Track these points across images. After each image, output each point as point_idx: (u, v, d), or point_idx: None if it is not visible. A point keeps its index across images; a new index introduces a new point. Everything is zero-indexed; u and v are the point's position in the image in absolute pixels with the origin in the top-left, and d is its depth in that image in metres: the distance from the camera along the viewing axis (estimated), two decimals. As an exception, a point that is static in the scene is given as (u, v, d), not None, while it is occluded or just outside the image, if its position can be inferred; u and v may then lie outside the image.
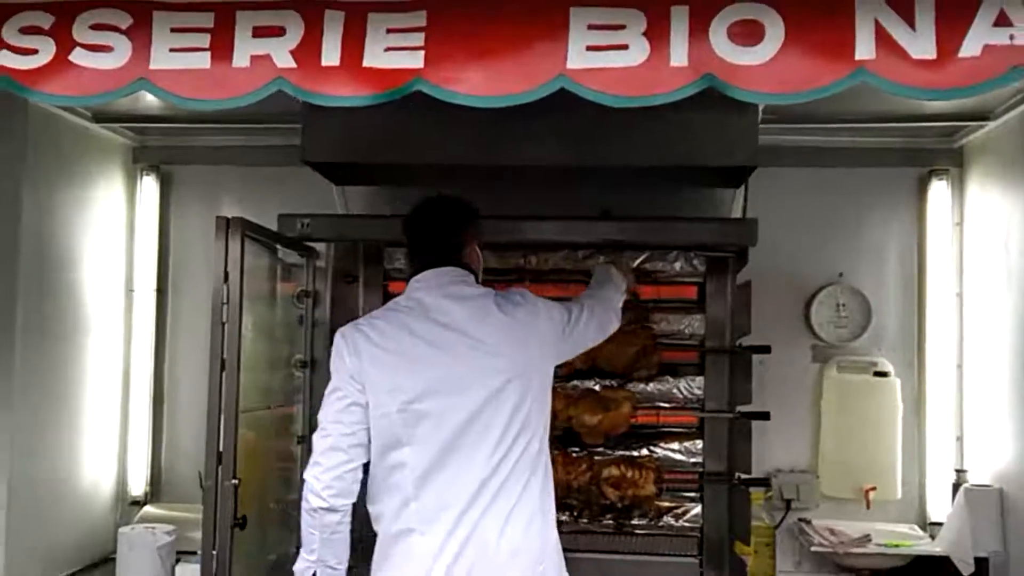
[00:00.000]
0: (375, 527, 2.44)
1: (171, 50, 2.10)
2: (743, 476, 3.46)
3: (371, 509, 2.44)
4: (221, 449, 2.88)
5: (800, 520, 3.93)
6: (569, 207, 3.44)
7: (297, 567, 2.40)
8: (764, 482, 3.70)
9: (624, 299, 3.02)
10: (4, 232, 3.43)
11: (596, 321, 2.75)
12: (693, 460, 3.65)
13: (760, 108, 3.16)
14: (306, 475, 2.37)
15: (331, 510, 2.33)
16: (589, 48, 2.02)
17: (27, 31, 2.13)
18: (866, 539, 3.74)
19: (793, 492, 3.96)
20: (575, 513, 3.59)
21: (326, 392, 2.43)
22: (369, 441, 2.38)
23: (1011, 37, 1.98)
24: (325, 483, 2.32)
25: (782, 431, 3.88)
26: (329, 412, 2.38)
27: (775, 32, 1.99)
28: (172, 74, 2.10)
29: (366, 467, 2.41)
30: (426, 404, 2.34)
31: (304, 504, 2.36)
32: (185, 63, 2.10)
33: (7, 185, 3.41)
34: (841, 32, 1.99)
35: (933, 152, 4.03)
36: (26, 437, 3.56)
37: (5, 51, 2.12)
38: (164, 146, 4.29)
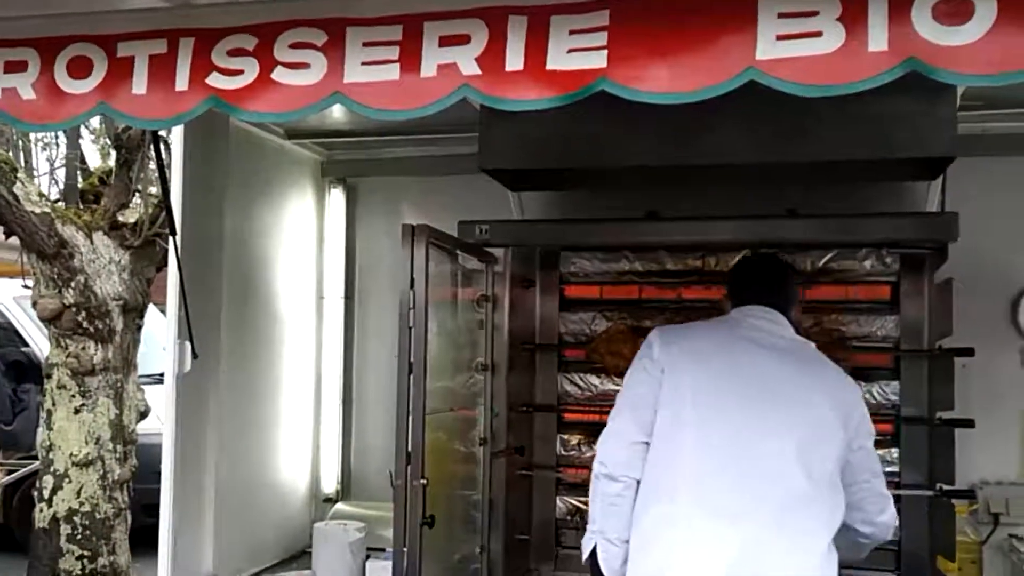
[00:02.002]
0: (642, 515, 2.36)
1: (363, 64, 2.17)
2: (945, 487, 3.24)
3: (643, 495, 2.38)
4: (410, 450, 2.96)
5: (1011, 536, 3.65)
6: (753, 206, 3.35)
7: (584, 539, 2.47)
8: (969, 494, 3.45)
9: None
10: (210, 241, 3.67)
11: (875, 490, 2.47)
12: (888, 469, 3.45)
13: (959, 94, 2.95)
14: (598, 445, 2.47)
15: (613, 479, 2.39)
16: (779, 37, 1.93)
17: (233, 53, 2.26)
18: (1088, 559, 3.42)
19: (1001, 506, 3.68)
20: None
21: (625, 376, 2.52)
22: (655, 428, 2.40)
23: None
24: (612, 453, 2.41)
25: (988, 440, 3.61)
26: (625, 395, 2.48)
27: (986, 9, 1.84)
28: (364, 87, 2.17)
29: None
30: (717, 413, 2.33)
31: (594, 470, 2.44)
32: (376, 76, 2.16)
33: (213, 198, 3.66)
34: (1061, 5, 1.82)
35: None
36: (231, 437, 3.79)
37: (215, 73, 2.27)
38: (349, 160, 4.50)
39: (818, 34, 1.92)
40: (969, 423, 3.23)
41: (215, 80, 2.27)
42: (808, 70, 1.92)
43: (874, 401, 3.49)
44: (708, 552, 2.22)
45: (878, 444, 3.43)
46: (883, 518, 2.51)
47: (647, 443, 2.40)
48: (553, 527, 3.89)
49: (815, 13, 1.94)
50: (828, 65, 1.92)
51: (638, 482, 2.39)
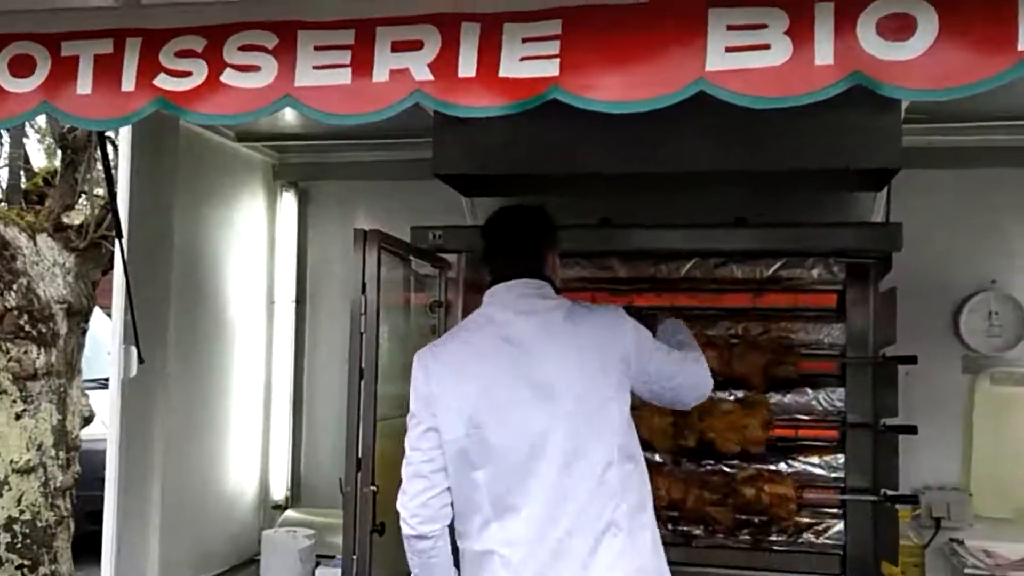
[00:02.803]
0: (461, 544, 2.36)
1: (314, 67, 2.15)
2: (889, 492, 3.30)
3: (457, 526, 2.36)
4: (360, 456, 2.94)
5: (952, 540, 3.73)
6: (702, 214, 3.38)
7: None
8: (912, 499, 3.52)
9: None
10: (158, 244, 3.60)
11: (687, 368, 2.49)
12: (834, 475, 3.52)
13: (903, 107, 3.02)
14: (397, 503, 2.34)
15: (422, 537, 2.30)
16: (729, 49, 1.95)
17: (182, 54, 2.23)
18: (1026, 563, 3.51)
19: (943, 510, 3.76)
20: (711, 528, 3.51)
21: (408, 417, 2.38)
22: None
23: None
24: (411, 511, 2.29)
25: (930, 446, 3.68)
26: (410, 438, 2.34)
27: (928, 25, 1.89)
28: (316, 91, 2.15)
29: None
30: (493, 426, 2.26)
31: (402, 530, 2.33)
32: (328, 80, 2.14)
33: (161, 200, 3.59)
34: (1001, 22, 1.86)
35: (1095, 149, 3.77)
36: (178, 443, 3.73)
37: (163, 74, 2.23)
38: (302, 163, 4.46)
39: (766, 47, 1.95)
40: (912, 429, 3.29)
41: (162, 81, 2.23)
42: (756, 82, 1.95)
43: (820, 408, 3.55)
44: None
45: (825, 450, 3.54)
46: (704, 388, 2.55)
47: (448, 488, 2.32)
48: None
49: (764, 26, 1.96)
50: (776, 77, 1.94)
51: (449, 526, 2.33)
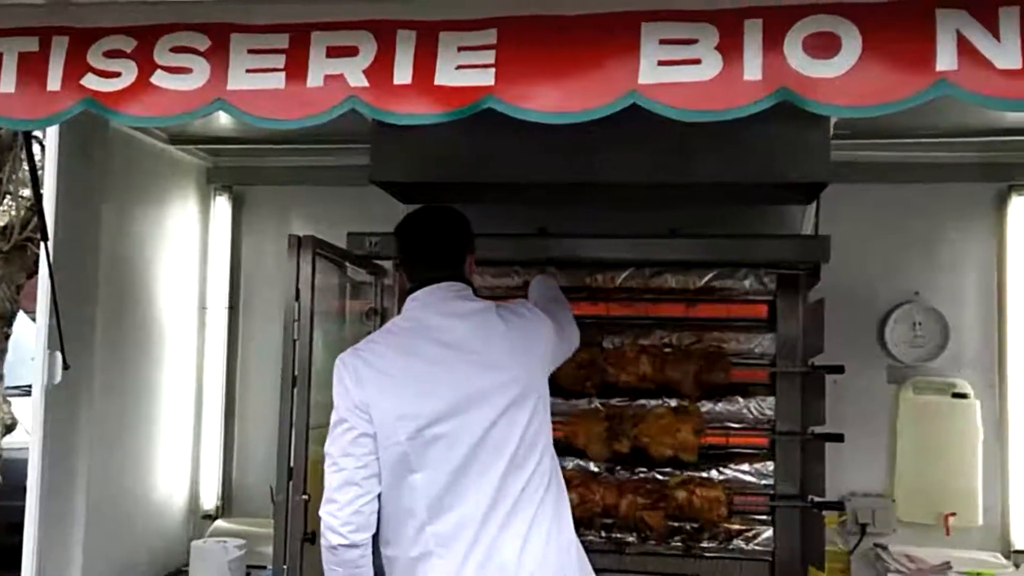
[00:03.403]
0: (391, 552, 2.37)
1: (248, 71, 2.13)
2: (816, 499, 3.37)
3: (386, 535, 2.36)
4: (292, 464, 2.91)
5: (876, 545, 3.82)
6: (638, 225, 3.43)
7: None
8: (838, 505, 3.61)
9: None
10: (85, 247, 3.51)
11: (567, 335, 2.66)
12: (764, 482, 3.58)
13: (832, 123, 3.10)
14: (321, 512, 2.30)
15: (352, 546, 2.27)
16: (661, 63, 1.99)
17: (110, 55, 2.19)
18: (946, 567, 3.61)
19: (868, 516, 3.86)
20: (643, 535, 3.54)
21: (332, 423, 2.34)
22: (380, 469, 2.32)
23: (1101, 46, 1.91)
24: (343, 519, 2.26)
25: (856, 453, 3.78)
26: (339, 445, 2.30)
27: (852, 44, 1.95)
28: (249, 94, 2.13)
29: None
30: (435, 429, 2.28)
31: (323, 542, 2.30)
32: (261, 83, 2.13)
33: (89, 204, 3.51)
34: (921, 43, 1.93)
35: (1013, 166, 3.91)
36: (104, 451, 3.63)
37: (90, 74, 2.19)
38: (237, 167, 4.39)
39: (697, 61, 1.99)
40: (839, 437, 3.37)
41: (90, 81, 2.19)
42: (687, 96, 1.99)
43: (751, 416, 3.61)
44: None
45: (755, 457, 3.60)
46: (576, 343, 2.77)
47: (378, 495, 2.32)
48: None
49: (694, 41, 2.00)
50: (706, 92, 1.98)
51: (374, 536, 2.33)
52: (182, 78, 2.16)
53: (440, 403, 2.30)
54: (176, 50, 2.18)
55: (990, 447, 3.83)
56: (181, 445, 4.23)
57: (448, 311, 2.40)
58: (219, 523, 4.19)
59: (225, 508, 4.32)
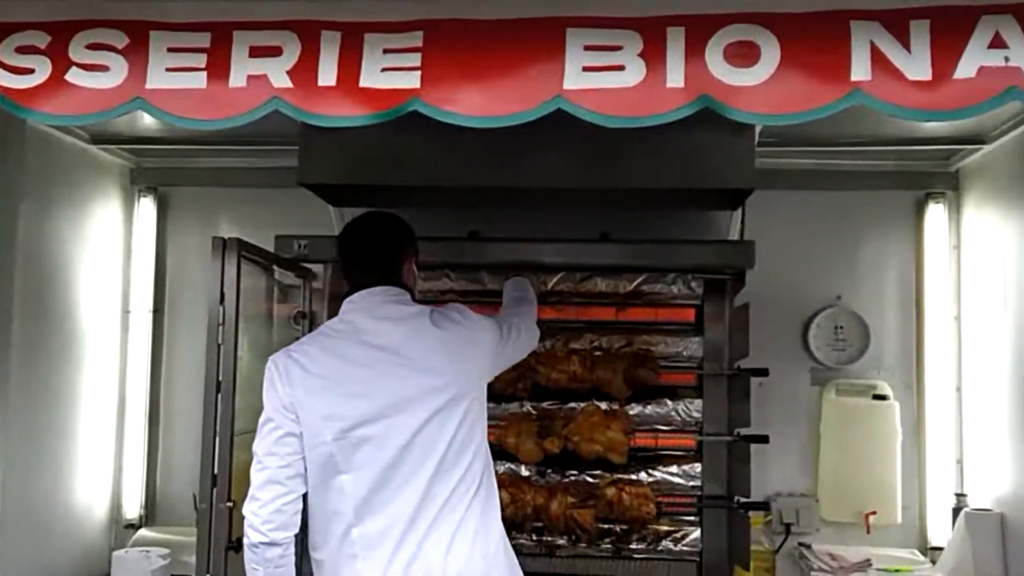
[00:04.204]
0: (318, 555, 2.38)
1: (167, 69, 2.10)
2: (742, 500, 3.43)
3: (313, 537, 2.38)
4: (216, 471, 2.85)
5: (800, 544, 3.90)
6: (568, 229, 3.44)
7: None
8: (763, 506, 3.68)
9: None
10: (1, 249, 3.42)
11: (523, 338, 2.72)
12: (692, 484, 3.62)
13: (757, 131, 3.16)
14: (244, 510, 2.31)
15: (272, 544, 2.27)
16: (586, 69, 2.02)
17: (23, 50, 2.13)
18: (866, 564, 3.70)
19: (793, 516, 3.94)
20: (573, 538, 3.56)
21: (260, 423, 2.36)
22: (306, 470, 2.32)
23: (1006, 59, 1.99)
24: (264, 517, 2.27)
25: (781, 454, 3.88)
26: (264, 444, 2.32)
27: (771, 53, 2.00)
28: (168, 94, 2.10)
29: (305, 496, 2.36)
30: (363, 431, 2.29)
31: (245, 540, 2.31)
32: (181, 83, 2.09)
33: (4, 205, 3.41)
34: (837, 54, 1.99)
35: (930, 175, 4.05)
36: (20, 458, 3.53)
37: (1, 70, 2.12)
38: (162, 168, 4.30)
39: (621, 68, 2.02)
40: (763, 439, 3.43)
41: (1, 78, 2.13)
42: (611, 102, 2.02)
43: (679, 418, 3.65)
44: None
45: (683, 459, 3.64)
46: (532, 347, 2.83)
47: (302, 495, 2.33)
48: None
49: (619, 48, 2.03)
50: (629, 98, 2.01)
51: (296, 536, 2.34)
52: (99, 76, 2.12)
53: (368, 405, 2.31)
54: (92, 47, 2.13)
55: (908, 448, 3.94)
56: (102, 452, 4.12)
57: (381, 315, 2.40)
58: (142, 532, 4.09)
59: (149, 517, 4.22)
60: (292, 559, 2.33)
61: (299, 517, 2.33)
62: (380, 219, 2.54)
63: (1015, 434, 3.46)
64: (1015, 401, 3.45)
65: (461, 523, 2.32)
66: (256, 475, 2.31)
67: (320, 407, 2.30)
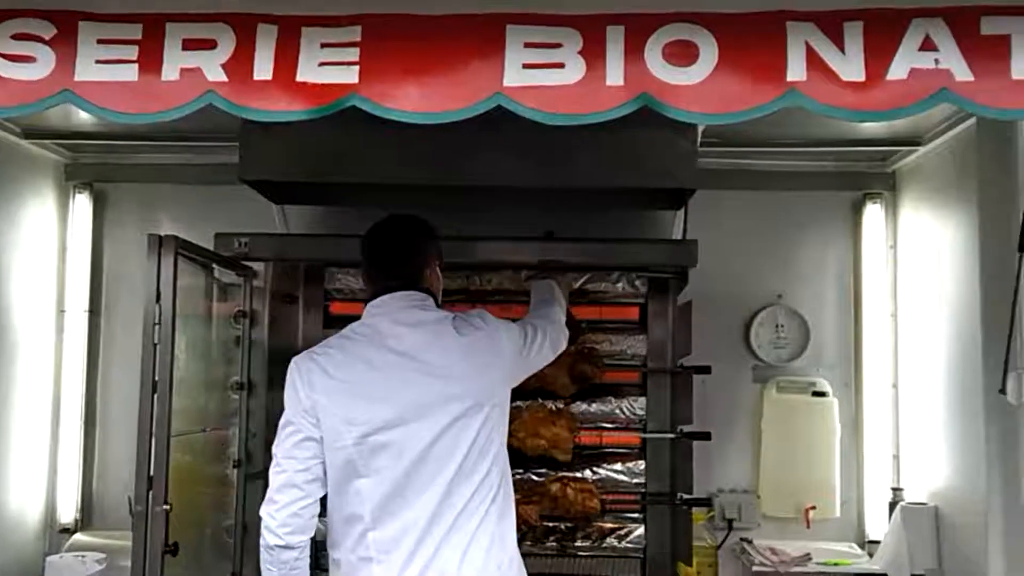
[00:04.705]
0: (336, 554, 2.40)
1: (97, 62, 2.04)
2: (685, 496, 3.46)
3: (332, 537, 2.40)
4: (152, 473, 2.79)
5: (742, 540, 3.95)
6: (513, 227, 3.44)
7: None
8: (706, 502, 3.71)
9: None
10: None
11: (549, 341, 2.69)
12: (636, 481, 3.65)
13: (700, 131, 3.19)
14: (262, 512, 2.32)
15: (288, 547, 2.30)
16: (526, 66, 2.01)
17: (-56, 40, 2.06)
18: (806, 558, 3.76)
19: (735, 512, 3.99)
20: (520, 534, 3.55)
21: (280, 424, 2.38)
22: (325, 474, 2.34)
23: (936, 61, 2.03)
24: (281, 520, 2.29)
25: (724, 451, 3.93)
26: (283, 447, 2.34)
27: (709, 53, 2.01)
28: (98, 86, 2.04)
29: (323, 499, 2.38)
30: (382, 436, 2.30)
31: (261, 541, 2.32)
32: (112, 75, 2.04)
33: (-69, 200, 3.30)
34: (773, 54, 2.01)
35: (867, 176, 4.13)
36: (-53, 463, 3.42)
37: (-80, 61, 2.05)
38: (98, 163, 4.20)
39: (560, 65, 2.02)
40: (706, 436, 3.46)
41: (-80, 69, 2.05)
42: (551, 99, 2.01)
43: (624, 416, 3.67)
44: None
45: (627, 457, 3.66)
46: (560, 349, 2.77)
47: (319, 498, 2.35)
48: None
49: (559, 45, 2.03)
50: (569, 96, 2.01)
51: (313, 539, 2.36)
52: (25, 67, 2.06)
53: (388, 411, 2.31)
54: (18, 37, 2.07)
55: (847, 443, 4.01)
56: (36, 455, 4.01)
57: (402, 320, 2.40)
58: (77, 537, 3.99)
59: (84, 521, 4.11)
60: (307, 561, 2.35)
61: (315, 521, 2.35)
62: (402, 222, 2.54)
63: (949, 430, 3.54)
64: (950, 397, 3.53)
65: (477, 531, 2.32)
66: (275, 478, 2.32)
67: (341, 411, 2.31)
